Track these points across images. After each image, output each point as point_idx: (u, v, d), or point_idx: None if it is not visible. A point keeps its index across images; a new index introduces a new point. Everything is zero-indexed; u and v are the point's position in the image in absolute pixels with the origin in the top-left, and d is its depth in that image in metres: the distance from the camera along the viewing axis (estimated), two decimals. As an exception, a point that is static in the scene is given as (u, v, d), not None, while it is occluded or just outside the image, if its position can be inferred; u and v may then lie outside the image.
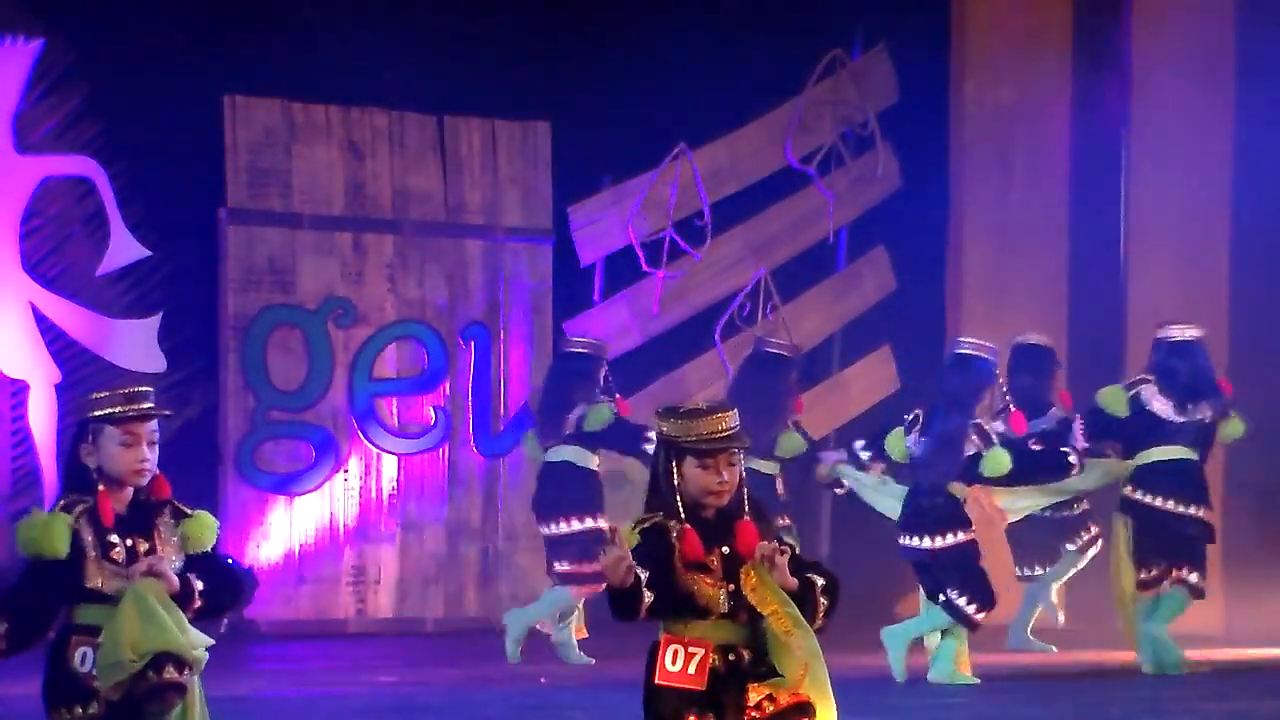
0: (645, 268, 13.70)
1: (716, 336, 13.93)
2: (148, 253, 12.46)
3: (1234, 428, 10.73)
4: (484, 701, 9.70)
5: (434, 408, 13.27)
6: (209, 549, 5.53)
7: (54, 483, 11.74)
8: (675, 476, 5.23)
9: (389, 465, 13.17)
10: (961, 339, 10.86)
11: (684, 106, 13.53)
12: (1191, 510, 10.55)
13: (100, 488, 5.47)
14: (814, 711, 5.06)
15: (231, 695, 8.81)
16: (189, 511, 5.56)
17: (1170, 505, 10.52)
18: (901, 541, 10.38)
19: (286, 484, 12.89)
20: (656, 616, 5.15)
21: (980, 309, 13.97)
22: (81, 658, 5.36)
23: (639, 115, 13.22)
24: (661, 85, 13.25)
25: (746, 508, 5.25)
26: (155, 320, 12.49)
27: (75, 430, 5.59)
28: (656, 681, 5.14)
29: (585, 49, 13.01)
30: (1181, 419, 10.56)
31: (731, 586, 5.15)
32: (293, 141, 13.03)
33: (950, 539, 10.25)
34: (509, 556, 13.42)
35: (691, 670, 5.11)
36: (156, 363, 12.43)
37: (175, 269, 12.57)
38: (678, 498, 5.22)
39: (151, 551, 5.43)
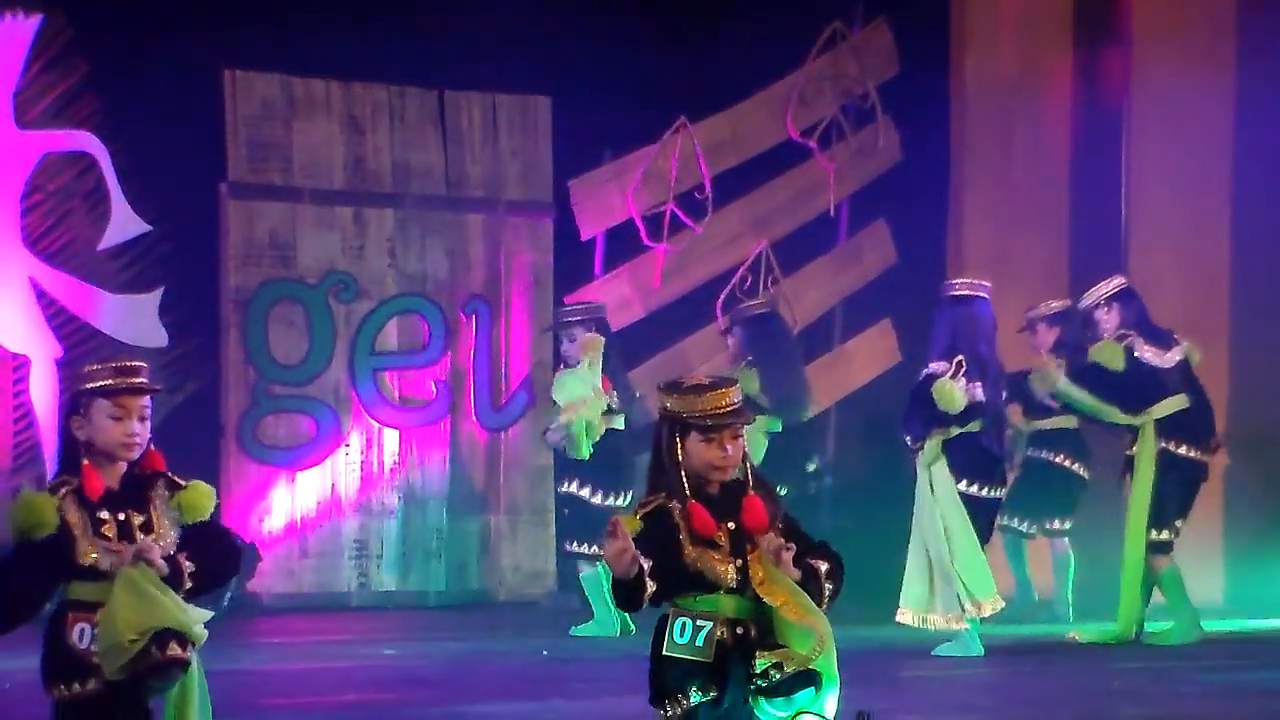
0: (646, 241, 13.69)
1: (718, 310, 13.90)
2: (148, 228, 12.46)
3: (1196, 354, 10.78)
4: (486, 674, 9.73)
5: (435, 382, 13.28)
6: (207, 518, 5.49)
7: (54, 457, 11.75)
8: (679, 451, 5.21)
9: (391, 439, 13.18)
10: (954, 280, 10.71)
11: (684, 80, 13.52)
12: (1204, 456, 10.68)
13: (85, 463, 5.42)
14: (820, 680, 5.05)
15: (234, 669, 8.83)
16: (183, 483, 5.52)
17: (1186, 452, 10.58)
18: (987, 494, 10.04)
19: (288, 458, 12.90)
20: (660, 603, 5.15)
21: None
22: (80, 634, 5.33)
23: (639, 89, 13.20)
24: (662, 59, 13.23)
25: (751, 482, 5.25)
26: (156, 295, 12.49)
27: (69, 403, 5.56)
28: (664, 653, 5.15)
29: (585, 23, 12.99)
30: (1171, 363, 10.58)
31: (739, 561, 5.13)
32: (293, 116, 13.01)
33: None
34: (511, 530, 13.43)
35: (699, 643, 5.11)
36: (157, 338, 12.45)
37: (176, 244, 12.58)
38: (681, 473, 5.21)
39: (146, 525, 5.38)
